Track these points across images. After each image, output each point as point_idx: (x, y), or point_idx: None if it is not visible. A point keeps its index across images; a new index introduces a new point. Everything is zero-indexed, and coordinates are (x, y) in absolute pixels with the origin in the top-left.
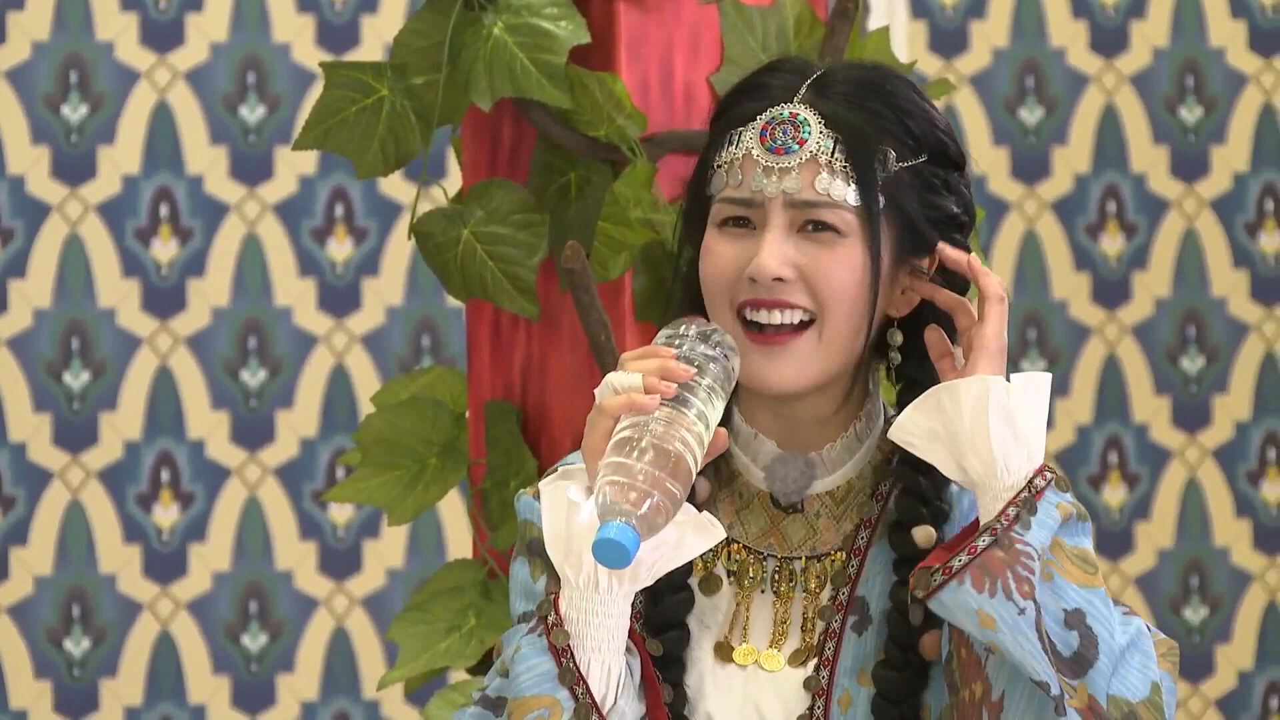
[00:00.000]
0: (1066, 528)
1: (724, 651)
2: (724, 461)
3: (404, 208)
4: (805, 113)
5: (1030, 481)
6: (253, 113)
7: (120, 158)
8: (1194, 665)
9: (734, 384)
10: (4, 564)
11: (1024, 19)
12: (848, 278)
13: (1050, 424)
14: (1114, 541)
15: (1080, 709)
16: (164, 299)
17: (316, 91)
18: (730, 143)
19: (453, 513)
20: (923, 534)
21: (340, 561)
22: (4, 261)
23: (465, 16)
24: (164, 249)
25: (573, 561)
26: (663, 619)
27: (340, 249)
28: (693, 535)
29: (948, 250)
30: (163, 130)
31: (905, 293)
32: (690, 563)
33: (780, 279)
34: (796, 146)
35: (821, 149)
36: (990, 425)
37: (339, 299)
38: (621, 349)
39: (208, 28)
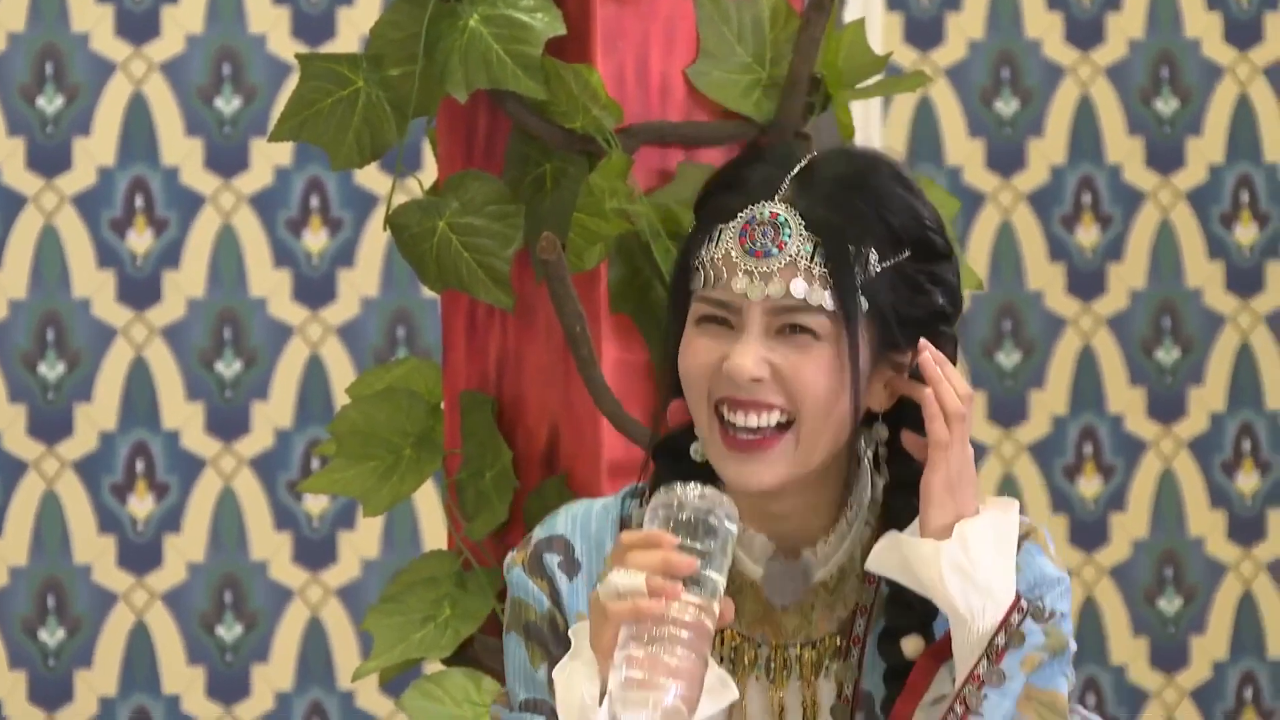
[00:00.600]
0: (1039, 673)
1: None
2: None
3: (379, 199)
4: (785, 213)
5: (991, 642)
6: (228, 104)
7: (96, 149)
8: (1169, 656)
9: (733, 547)
10: None
11: (999, 11)
12: (823, 381)
13: (1025, 416)
14: (1089, 533)
15: None
16: (139, 290)
17: (292, 83)
18: (710, 240)
19: (428, 504)
20: (911, 645)
21: (315, 552)
22: None
23: (441, 8)
24: (139, 240)
25: None
26: None
27: (315, 240)
28: (705, 698)
29: (924, 360)
30: (138, 121)
31: (887, 387)
32: None
33: (757, 380)
34: (776, 250)
35: (801, 253)
36: (946, 582)
37: (314, 290)
38: (597, 340)
39: (183, 19)
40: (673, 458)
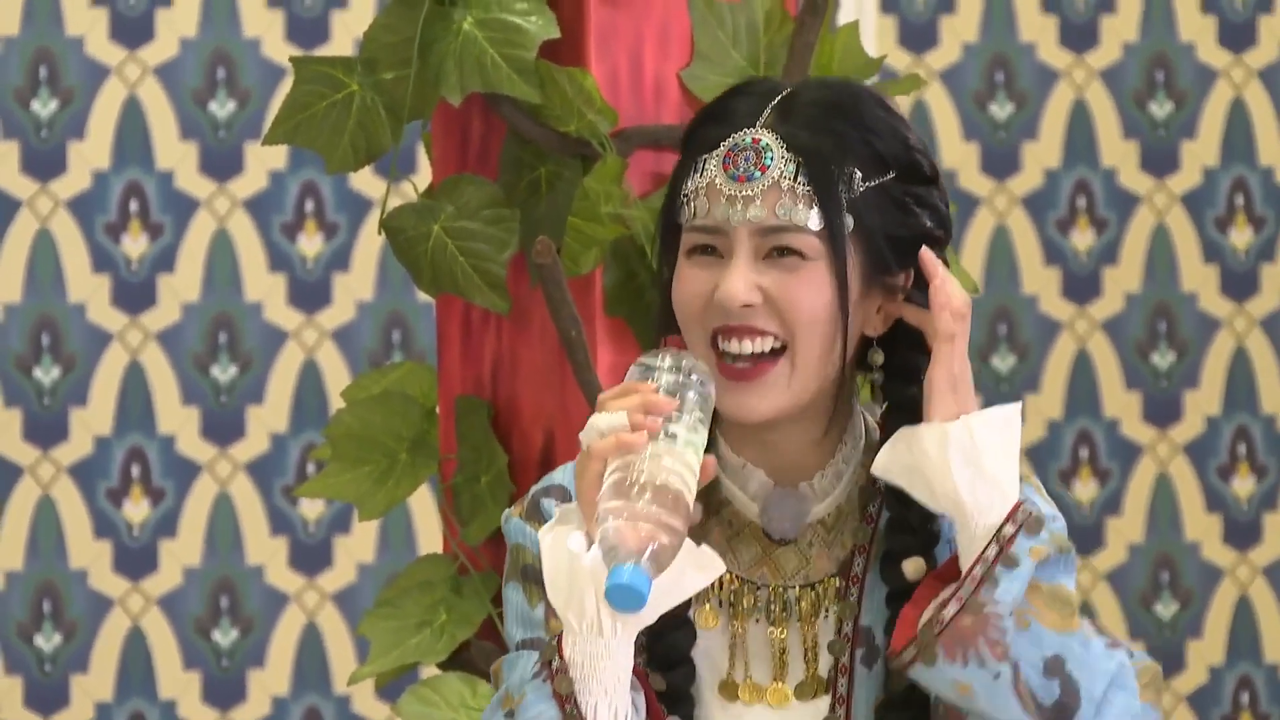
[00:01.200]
0: (1044, 567)
1: (729, 689)
2: (713, 490)
3: (374, 203)
4: (767, 137)
5: (999, 530)
6: (223, 108)
7: (90, 153)
8: (1165, 660)
9: (712, 409)
10: None
11: (994, 14)
12: (815, 301)
13: (1021, 419)
14: (1085, 537)
15: None
16: (134, 294)
17: (286, 87)
18: (695, 171)
19: (423, 508)
20: (913, 566)
21: (311, 557)
22: None
23: (435, 11)
24: (134, 244)
25: (575, 608)
26: (667, 655)
27: (310, 244)
28: (693, 571)
29: (925, 255)
30: (133, 125)
31: (881, 311)
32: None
33: (748, 305)
34: (759, 174)
35: (784, 174)
36: (953, 470)
37: (309, 294)
38: (592, 344)
39: (177, 23)
40: None
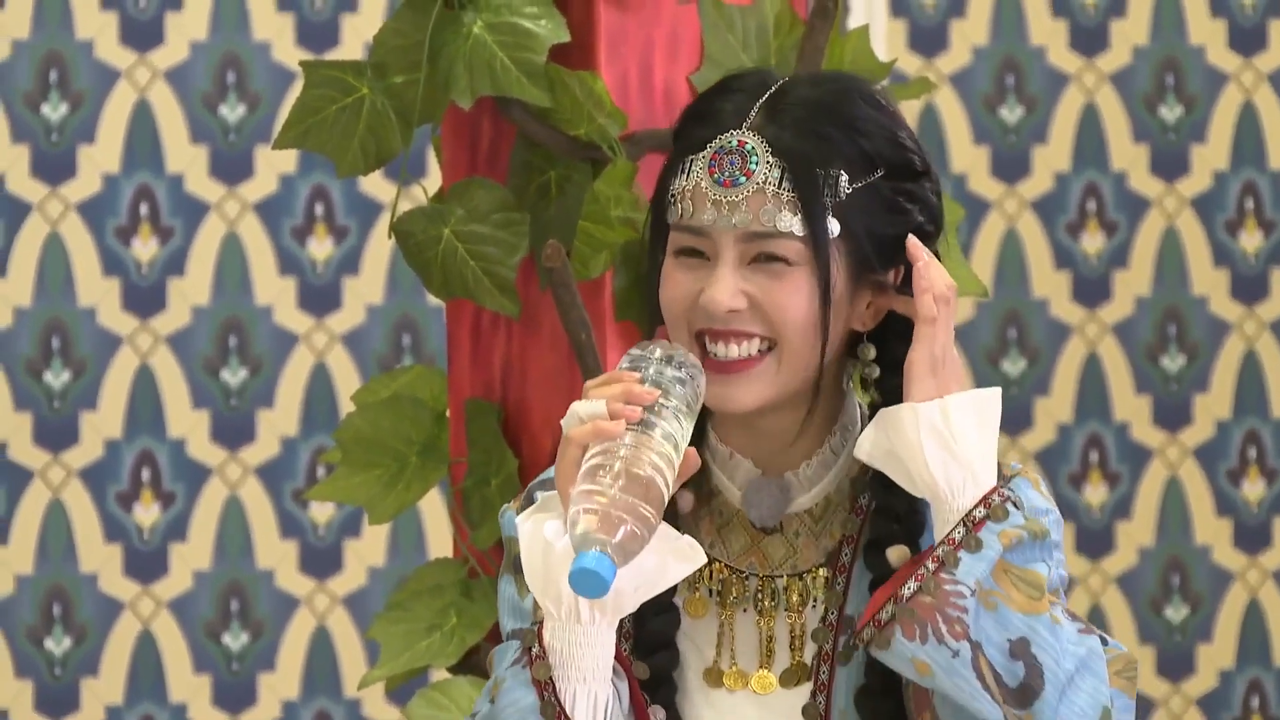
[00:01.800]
0: (1016, 551)
1: (714, 676)
2: (703, 479)
3: (384, 206)
4: (753, 140)
5: (969, 514)
6: (233, 112)
7: (100, 157)
8: (1175, 664)
9: (701, 403)
10: None
11: (1004, 17)
12: (800, 305)
13: (1030, 423)
14: (1095, 540)
15: None
16: (144, 298)
17: (296, 90)
18: (682, 171)
19: (433, 511)
20: (896, 554)
21: (321, 560)
22: None
23: (445, 15)
24: (144, 248)
25: (552, 594)
26: (651, 640)
27: (320, 248)
28: (674, 561)
29: (910, 242)
30: (143, 129)
31: (870, 306)
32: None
33: (734, 310)
34: (744, 179)
35: (769, 179)
36: (925, 451)
37: (319, 298)
38: (602, 348)
39: (187, 27)
40: None
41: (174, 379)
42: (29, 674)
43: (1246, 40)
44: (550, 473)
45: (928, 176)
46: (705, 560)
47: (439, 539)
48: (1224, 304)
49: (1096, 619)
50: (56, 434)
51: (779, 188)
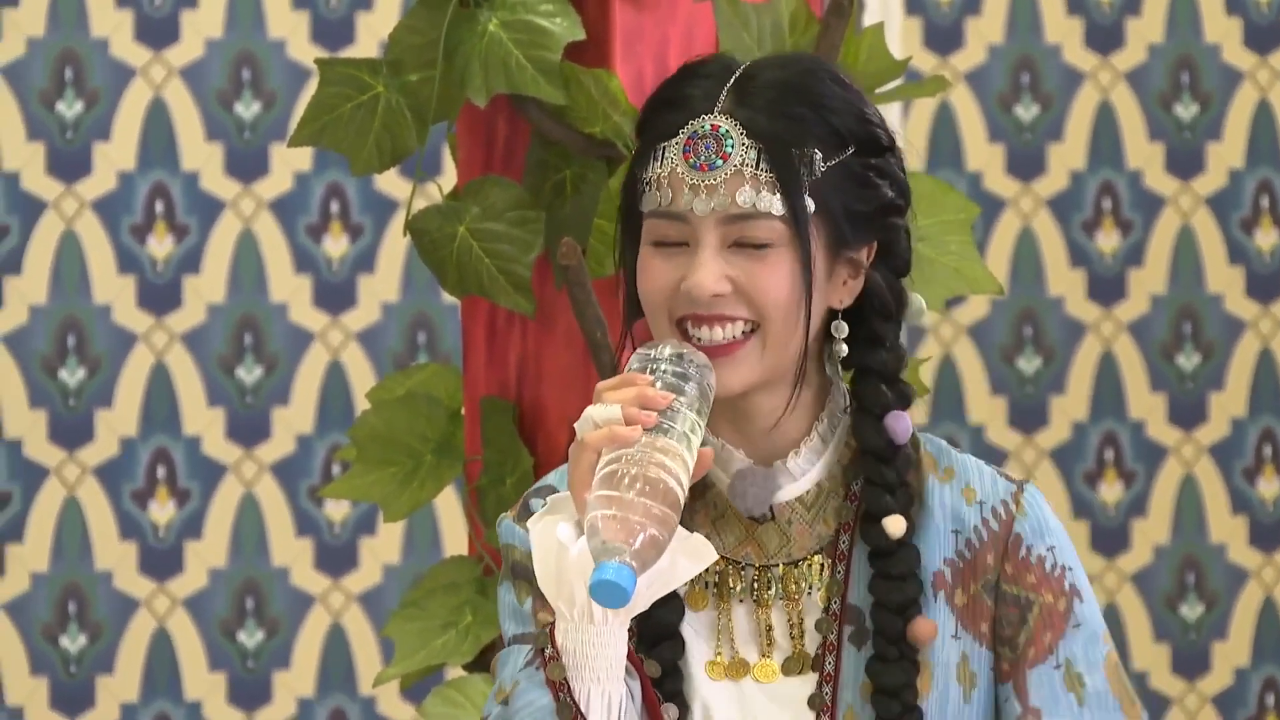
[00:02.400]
0: None
1: (716, 667)
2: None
3: (399, 204)
4: (726, 124)
5: None
6: (248, 109)
7: (115, 154)
8: (1190, 662)
9: (712, 400)
10: (0, 560)
11: (1019, 15)
12: (783, 285)
13: (1046, 421)
14: (1110, 538)
15: None
16: (160, 296)
17: (312, 88)
18: (655, 159)
19: (449, 509)
20: (894, 523)
21: (336, 558)
22: None
23: (460, 13)
24: (160, 246)
25: (565, 595)
26: (655, 630)
27: (336, 245)
28: (685, 559)
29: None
30: (158, 127)
31: (846, 284)
32: None
33: (718, 295)
34: (720, 162)
35: (745, 161)
36: None
37: (335, 295)
38: (617, 345)
39: (202, 24)
40: None
41: (189, 377)
42: (44, 671)
43: (1262, 38)
44: (545, 480)
45: (893, 151)
46: (715, 557)
47: (454, 537)
48: (1239, 302)
49: (1112, 617)
50: (72, 431)
51: (756, 169)
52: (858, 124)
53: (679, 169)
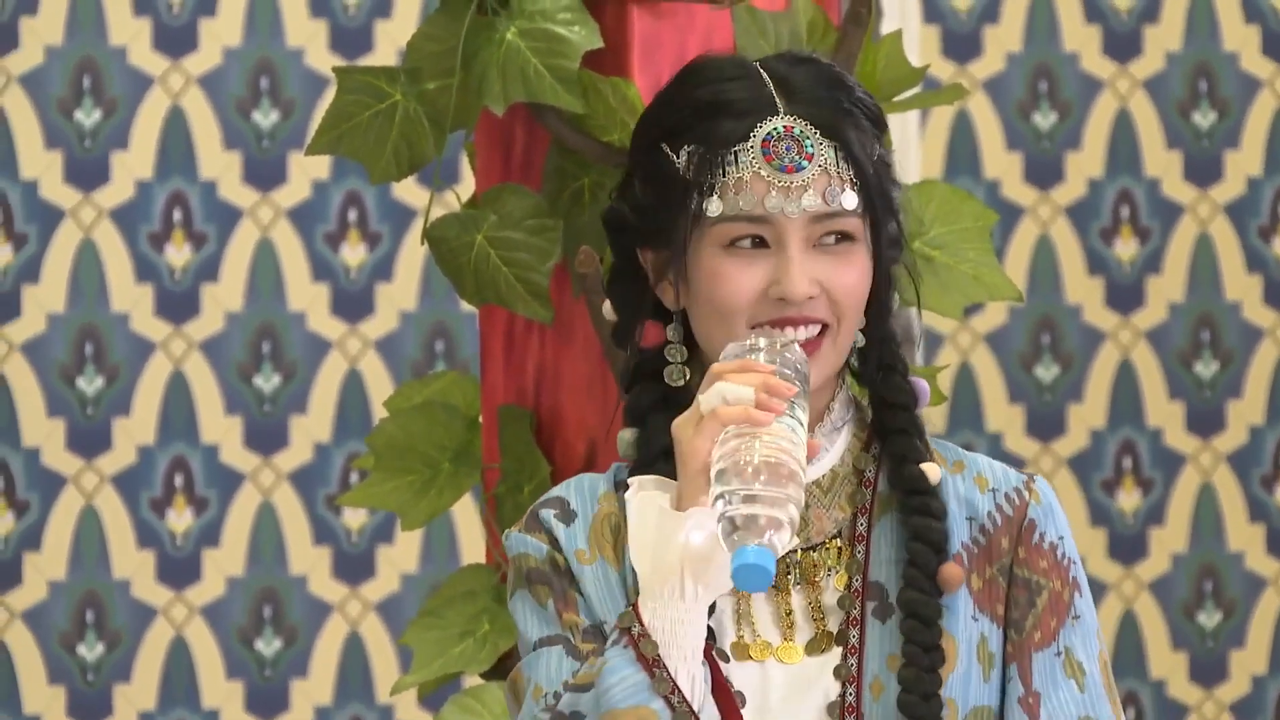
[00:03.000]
0: None
1: (740, 650)
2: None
3: (417, 212)
4: (799, 125)
5: None
6: (266, 118)
7: (133, 163)
8: (1208, 670)
9: (810, 390)
10: (18, 569)
11: (1037, 23)
12: (859, 281)
13: (1064, 429)
14: (1128, 546)
15: None
16: (177, 304)
17: (330, 96)
18: (727, 163)
19: (466, 518)
20: (931, 469)
21: (354, 566)
22: (17, 266)
23: (478, 21)
24: (177, 254)
25: (661, 571)
26: None
27: (354, 254)
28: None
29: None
30: (176, 135)
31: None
32: None
33: (811, 297)
34: (806, 163)
35: (828, 160)
36: None
37: (352, 304)
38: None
39: (221, 32)
40: (651, 379)
41: (207, 385)
42: (62, 680)
43: None
44: (553, 492)
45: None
46: (796, 542)
47: (472, 545)
48: (1257, 310)
49: (1129, 625)
50: (89, 440)
51: (838, 167)
52: (878, 111)
53: (763, 171)
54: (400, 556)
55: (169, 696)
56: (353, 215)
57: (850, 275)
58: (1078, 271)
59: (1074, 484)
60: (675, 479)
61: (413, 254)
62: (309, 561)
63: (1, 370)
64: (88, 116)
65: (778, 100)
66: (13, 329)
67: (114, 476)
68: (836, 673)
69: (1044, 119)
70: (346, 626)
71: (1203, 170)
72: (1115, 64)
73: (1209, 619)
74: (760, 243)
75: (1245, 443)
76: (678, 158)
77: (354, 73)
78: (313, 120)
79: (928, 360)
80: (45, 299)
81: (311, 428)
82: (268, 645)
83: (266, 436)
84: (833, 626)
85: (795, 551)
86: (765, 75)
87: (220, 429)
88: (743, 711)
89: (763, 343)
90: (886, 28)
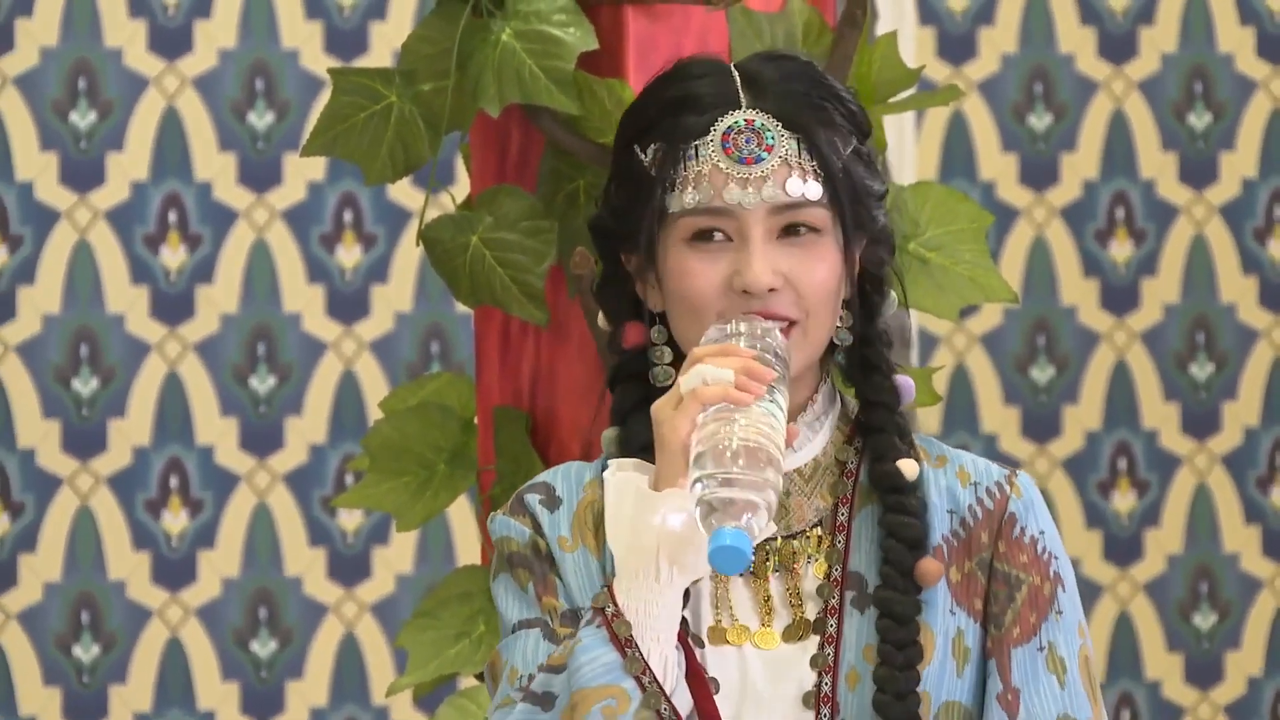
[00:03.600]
0: None
1: (717, 633)
2: None
3: (412, 214)
4: (760, 118)
5: None
6: (261, 119)
7: (129, 164)
8: (1203, 672)
9: (789, 375)
10: (13, 570)
11: (1032, 25)
12: (828, 275)
13: (1059, 431)
14: (1123, 548)
15: None
16: (173, 305)
17: (325, 98)
18: (688, 158)
19: (462, 519)
20: (908, 466)
21: (349, 568)
22: (13, 268)
23: (473, 23)
24: (173, 255)
25: (636, 551)
26: None
27: (349, 255)
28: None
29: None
30: (171, 137)
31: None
32: None
33: (773, 289)
34: (766, 154)
35: (789, 151)
36: None
37: (348, 305)
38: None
39: (216, 34)
40: (635, 380)
41: (202, 386)
42: (57, 681)
43: (1275, 48)
44: (538, 478)
45: (870, 137)
46: (775, 530)
47: (467, 546)
48: (1252, 312)
49: (1125, 626)
50: (85, 441)
51: (800, 158)
52: (856, 109)
53: (721, 164)
54: (395, 558)
55: (164, 698)
56: (348, 217)
57: (817, 269)
58: (1073, 273)
59: (1069, 486)
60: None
61: (408, 255)
62: (304, 563)
63: None
64: (83, 118)
65: (742, 95)
66: (8, 330)
67: (109, 478)
68: (813, 662)
69: (1039, 120)
70: (342, 628)
71: (1198, 172)
72: (1110, 65)
73: (1204, 620)
74: (725, 238)
75: (1240, 444)
76: (645, 156)
77: (349, 74)
78: (308, 122)
79: (923, 361)
80: (40, 300)
81: (307, 429)
82: (263, 646)
83: (262, 438)
84: (811, 614)
85: (775, 539)
86: (735, 73)
87: (215, 430)
88: (718, 696)
89: (743, 328)
90: (882, 29)
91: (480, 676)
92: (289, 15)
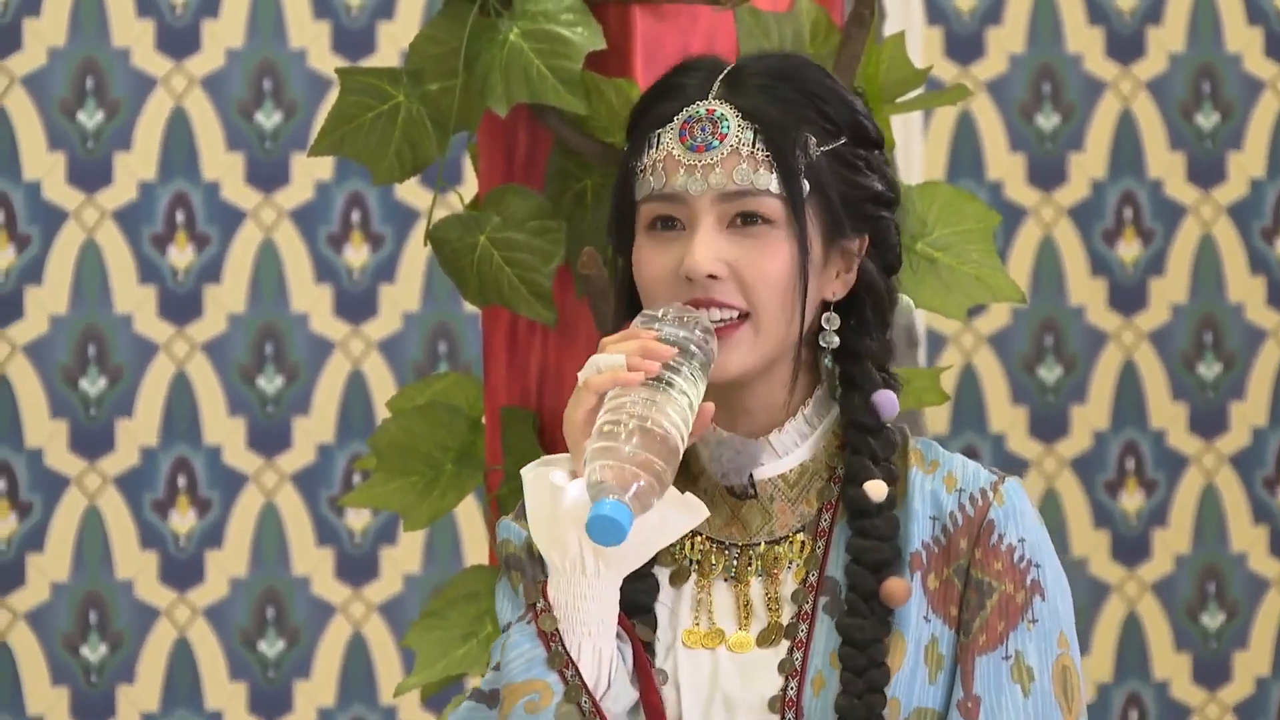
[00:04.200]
0: None
1: (692, 636)
2: (692, 458)
3: (420, 214)
4: (721, 108)
5: None
6: (269, 119)
7: (136, 164)
8: (1211, 672)
9: (711, 364)
10: (21, 570)
11: (1040, 25)
12: (778, 268)
13: (1067, 431)
14: (1131, 548)
15: None
16: (180, 305)
17: (333, 98)
18: (650, 146)
19: (469, 519)
20: (874, 488)
21: (357, 568)
22: (20, 267)
23: (481, 22)
24: (180, 255)
25: (558, 546)
26: (631, 605)
27: (357, 255)
28: (675, 514)
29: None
30: (179, 136)
31: (840, 276)
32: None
33: (714, 276)
34: (717, 142)
35: (741, 141)
36: None
37: (355, 305)
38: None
39: (224, 34)
40: None
41: (210, 386)
42: (65, 681)
43: None
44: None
45: (880, 147)
46: (707, 514)
47: (475, 546)
48: (1260, 311)
49: (1132, 626)
50: (92, 441)
51: (753, 148)
52: (849, 114)
53: (675, 151)
54: (403, 557)
55: (172, 698)
56: (355, 216)
57: (766, 260)
58: (1081, 273)
59: (1077, 485)
60: None
61: (415, 255)
62: (312, 562)
63: (4, 372)
64: (90, 118)
65: (715, 87)
66: (16, 330)
67: (117, 478)
68: (781, 667)
69: (1047, 120)
70: (349, 628)
71: (1206, 172)
72: (1118, 65)
73: (1212, 620)
74: (682, 226)
75: (1248, 444)
76: (627, 147)
77: (357, 74)
78: (315, 121)
79: (930, 361)
80: (48, 300)
81: (314, 429)
82: (271, 646)
83: (269, 438)
84: (785, 619)
85: (759, 544)
86: (725, 68)
87: (223, 430)
88: (690, 698)
89: (670, 312)
90: (890, 29)
91: None
92: (297, 15)
